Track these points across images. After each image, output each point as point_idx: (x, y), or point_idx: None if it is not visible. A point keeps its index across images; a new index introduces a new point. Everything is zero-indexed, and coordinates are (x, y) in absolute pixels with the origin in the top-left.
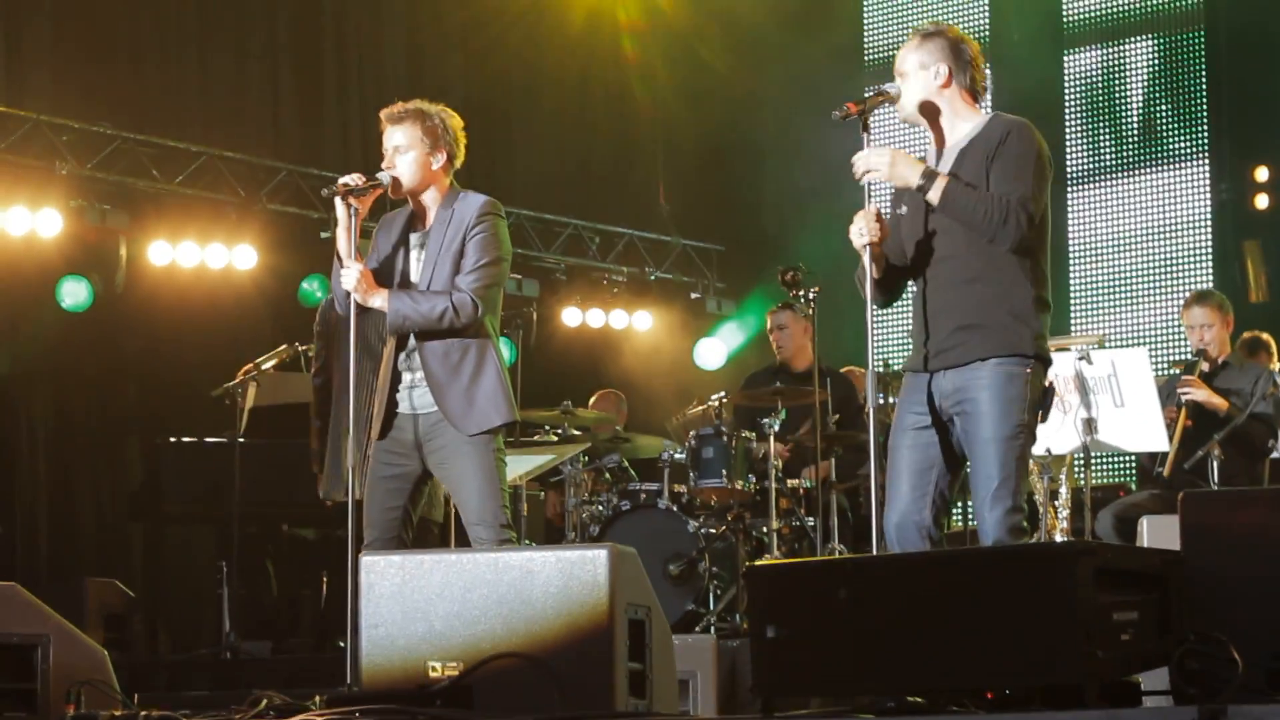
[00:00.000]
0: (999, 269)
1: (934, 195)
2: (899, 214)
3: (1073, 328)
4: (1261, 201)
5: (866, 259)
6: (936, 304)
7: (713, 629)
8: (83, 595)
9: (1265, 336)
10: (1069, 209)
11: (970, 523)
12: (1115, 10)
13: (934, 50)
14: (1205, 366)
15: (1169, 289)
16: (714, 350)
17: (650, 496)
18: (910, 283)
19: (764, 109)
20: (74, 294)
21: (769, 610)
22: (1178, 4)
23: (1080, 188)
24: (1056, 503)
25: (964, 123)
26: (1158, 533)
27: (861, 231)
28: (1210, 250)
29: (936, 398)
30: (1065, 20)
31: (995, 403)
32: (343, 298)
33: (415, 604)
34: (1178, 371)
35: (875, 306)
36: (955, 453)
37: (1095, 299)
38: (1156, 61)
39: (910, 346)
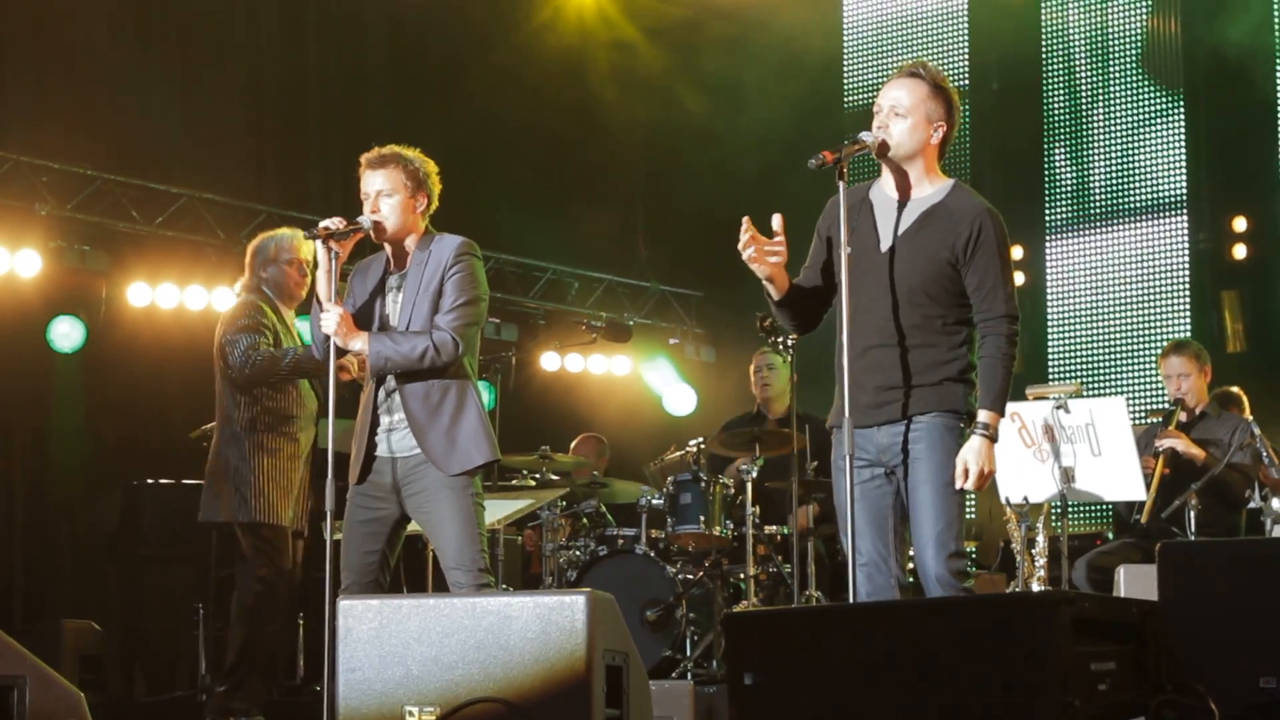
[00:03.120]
0: (941, 336)
1: (992, 421)
2: (844, 252)
3: (1050, 376)
4: (1239, 251)
5: (768, 285)
6: (875, 361)
7: (690, 675)
8: (59, 636)
9: (1236, 390)
10: (1047, 257)
11: None
12: (1094, 60)
13: (943, 107)
14: (1183, 416)
15: (1147, 338)
16: (684, 397)
17: (628, 542)
18: (845, 330)
19: (743, 155)
20: (67, 335)
21: (747, 657)
22: (1156, 55)
23: (1059, 236)
24: (1034, 551)
25: (929, 184)
26: (1134, 582)
27: (749, 257)
28: (1188, 300)
29: (874, 451)
30: (1044, 69)
31: (934, 452)
32: (321, 341)
33: (393, 648)
34: (1156, 421)
35: (793, 330)
36: (902, 500)
37: (1073, 348)
38: (1135, 111)
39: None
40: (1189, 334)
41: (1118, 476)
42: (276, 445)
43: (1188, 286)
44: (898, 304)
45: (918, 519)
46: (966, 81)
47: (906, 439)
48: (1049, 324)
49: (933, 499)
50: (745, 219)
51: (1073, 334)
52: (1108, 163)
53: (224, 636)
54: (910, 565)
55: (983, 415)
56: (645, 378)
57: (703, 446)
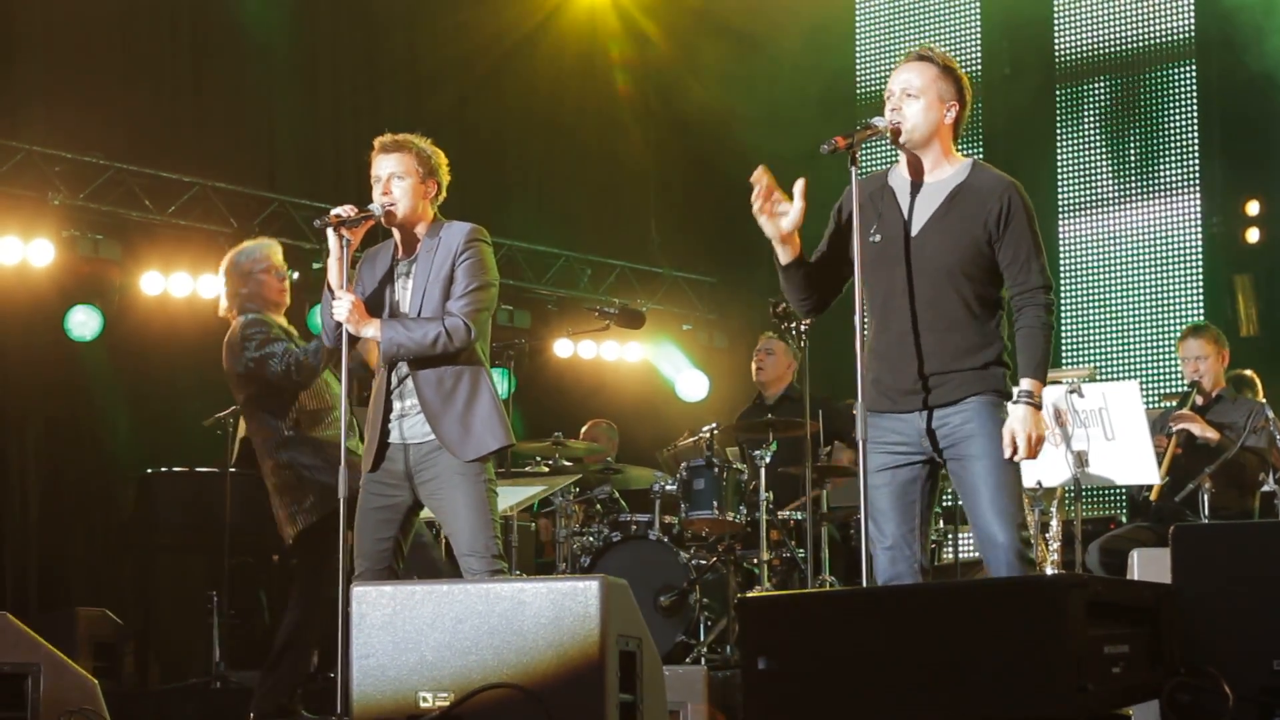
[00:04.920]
0: (978, 320)
1: (1035, 389)
2: (871, 240)
3: (1063, 360)
4: (1252, 235)
5: (776, 245)
6: (913, 347)
7: (703, 660)
8: (73, 624)
9: (1250, 374)
10: (1060, 241)
11: (963, 554)
12: (1107, 44)
13: (954, 86)
14: (1199, 399)
15: (1160, 322)
16: (696, 382)
17: (641, 528)
18: (875, 317)
19: (755, 142)
20: (85, 324)
21: (761, 642)
22: (1168, 38)
23: (1071, 220)
24: (1047, 535)
25: (948, 164)
26: (1148, 565)
27: (758, 209)
28: (1201, 284)
29: (915, 435)
30: (1057, 53)
31: (989, 436)
32: (333, 329)
33: (406, 634)
34: (1171, 404)
35: (801, 310)
36: (930, 487)
37: (1086, 332)
38: (1148, 95)
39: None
40: (1202, 318)
41: (1131, 460)
42: (323, 437)
43: (1201, 270)
44: (934, 288)
45: (981, 504)
46: (979, 63)
47: (954, 424)
48: (1061, 307)
49: (995, 478)
50: (760, 168)
51: (1085, 317)
52: (1120, 145)
53: (238, 625)
54: (930, 548)
55: (1025, 384)
56: (657, 364)
57: (716, 432)
